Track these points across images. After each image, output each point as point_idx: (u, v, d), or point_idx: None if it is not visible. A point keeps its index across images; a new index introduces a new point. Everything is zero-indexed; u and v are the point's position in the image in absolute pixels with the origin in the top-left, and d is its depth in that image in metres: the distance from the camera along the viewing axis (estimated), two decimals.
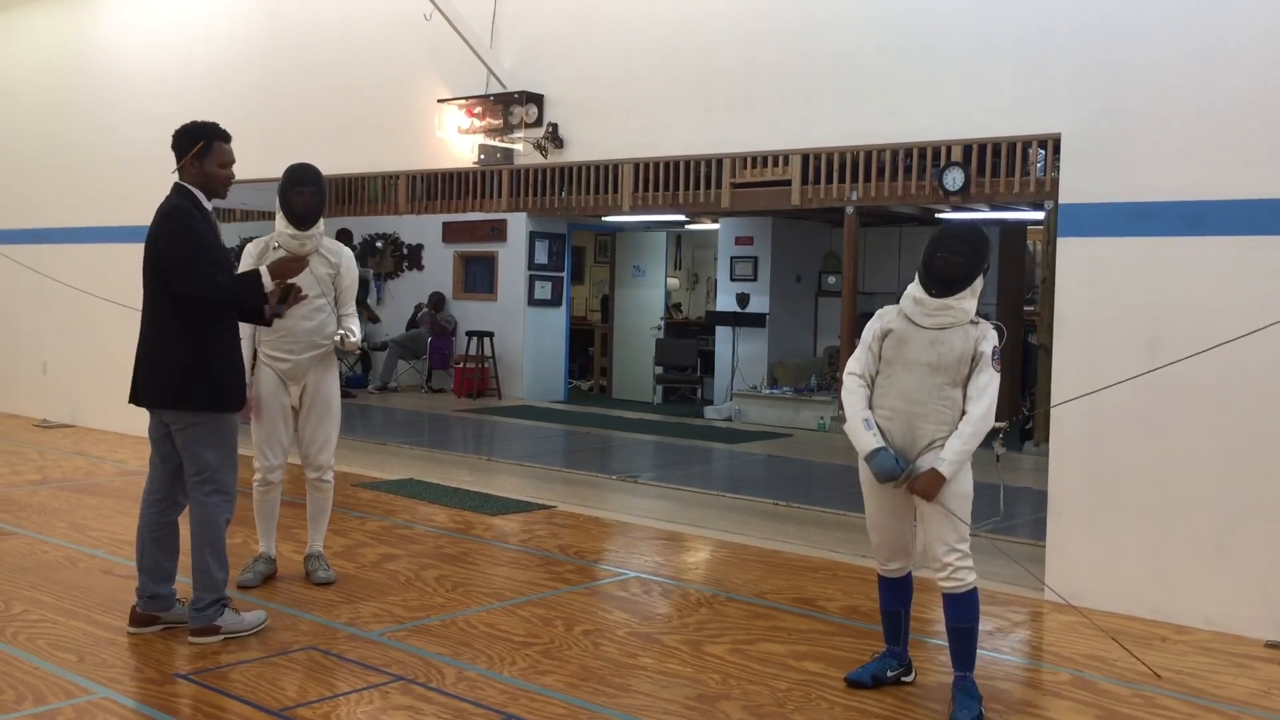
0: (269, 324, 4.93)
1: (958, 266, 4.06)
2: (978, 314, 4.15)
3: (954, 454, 4.00)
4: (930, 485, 4.02)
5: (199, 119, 4.77)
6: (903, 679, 4.36)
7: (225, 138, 4.72)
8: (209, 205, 4.70)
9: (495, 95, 7.92)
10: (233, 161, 4.77)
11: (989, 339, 4.09)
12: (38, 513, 7.08)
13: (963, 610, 4.09)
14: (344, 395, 13.89)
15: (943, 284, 4.08)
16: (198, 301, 4.52)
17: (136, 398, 4.68)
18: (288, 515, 6.36)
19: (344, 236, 14.66)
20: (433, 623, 5.02)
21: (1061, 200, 5.78)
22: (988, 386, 4.04)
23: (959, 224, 4.26)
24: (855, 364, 4.22)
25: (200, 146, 4.64)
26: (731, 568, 6.24)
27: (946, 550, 4.06)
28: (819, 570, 6.15)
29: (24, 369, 11.66)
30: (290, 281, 4.83)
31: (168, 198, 4.68)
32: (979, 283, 4.11)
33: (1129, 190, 5.50)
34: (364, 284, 15.11)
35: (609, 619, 5.19)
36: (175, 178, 4.70)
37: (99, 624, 4.87)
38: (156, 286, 4.59)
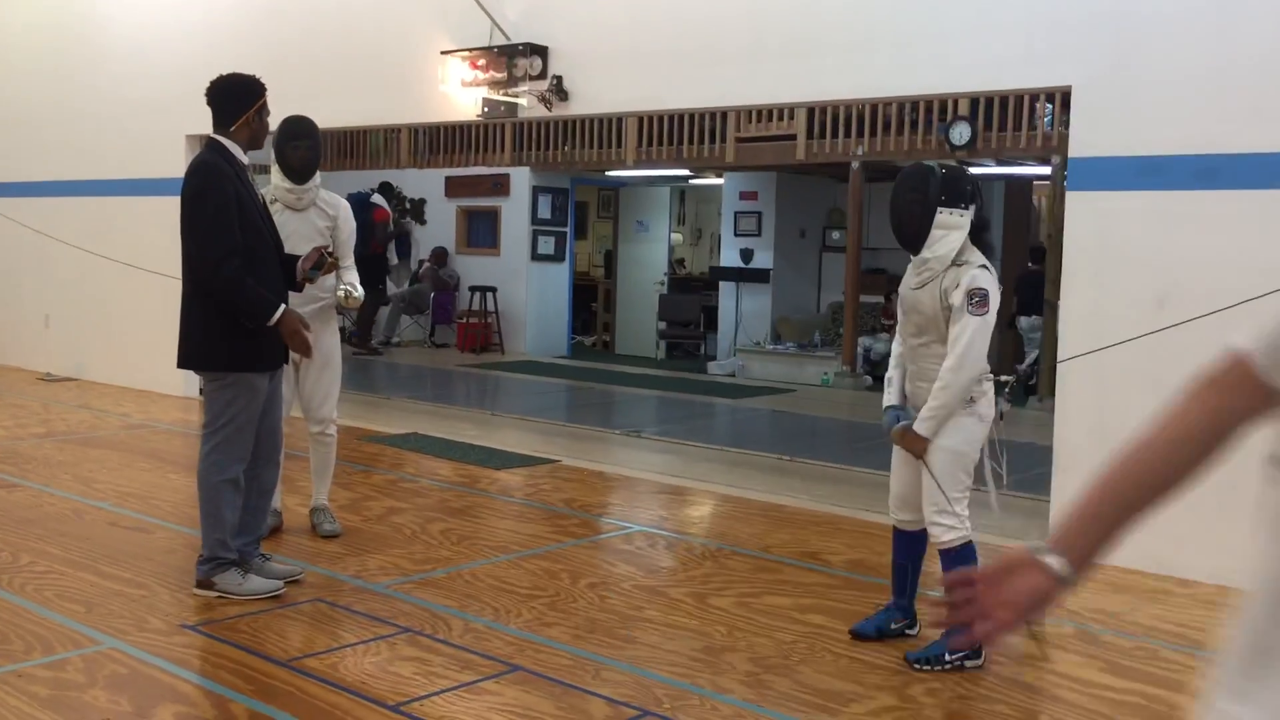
0: (299, 289, 4.87)
1: (913, 217, 4.02)
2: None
3: (927, 411, 4.02)
4: (908, 441, 4.10)
5: (238, 72, 4.66)
6: (906, 631, 4.37)
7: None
8: (247, 160, 4.62)
9: (499, 47, 7.84)
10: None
11: (962, 284, 3.94)
12: (43, 465, 7.10)
13: (947, 564, 4.11)
14: (372, 353, 14.01)
15: (908, 240, 4.07)
16: (214, 279, 4.39)
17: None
18: (293, 468, 6.37)
19: (385, 190, 14.56)
20: (439, 575, 5.04)
21: (1071, 154, 5.72)
22: (959, 337, 3.93)
23: (903, 172, 4.17)
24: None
25: (262, 102, 4.60)
26: (736, 522, 6.25)
27: (930, 507, 4.09)
28: (823, 524, 6.17)
29: (27, 322, 11.64)
30: (325, 249, 4.80)
31: (199, 154, 4.58)
32: (950, 219, 3.98)
33: (1139, 143, 5.45)
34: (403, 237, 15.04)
35: (614, 572, 5.21)
36: (196, 127, 4.58)
37: (106, 575, 4.89)
38: (183, 244, 4.52)
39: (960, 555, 4.08)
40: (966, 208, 4.01)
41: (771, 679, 3.97)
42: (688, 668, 4.05)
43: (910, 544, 4.32)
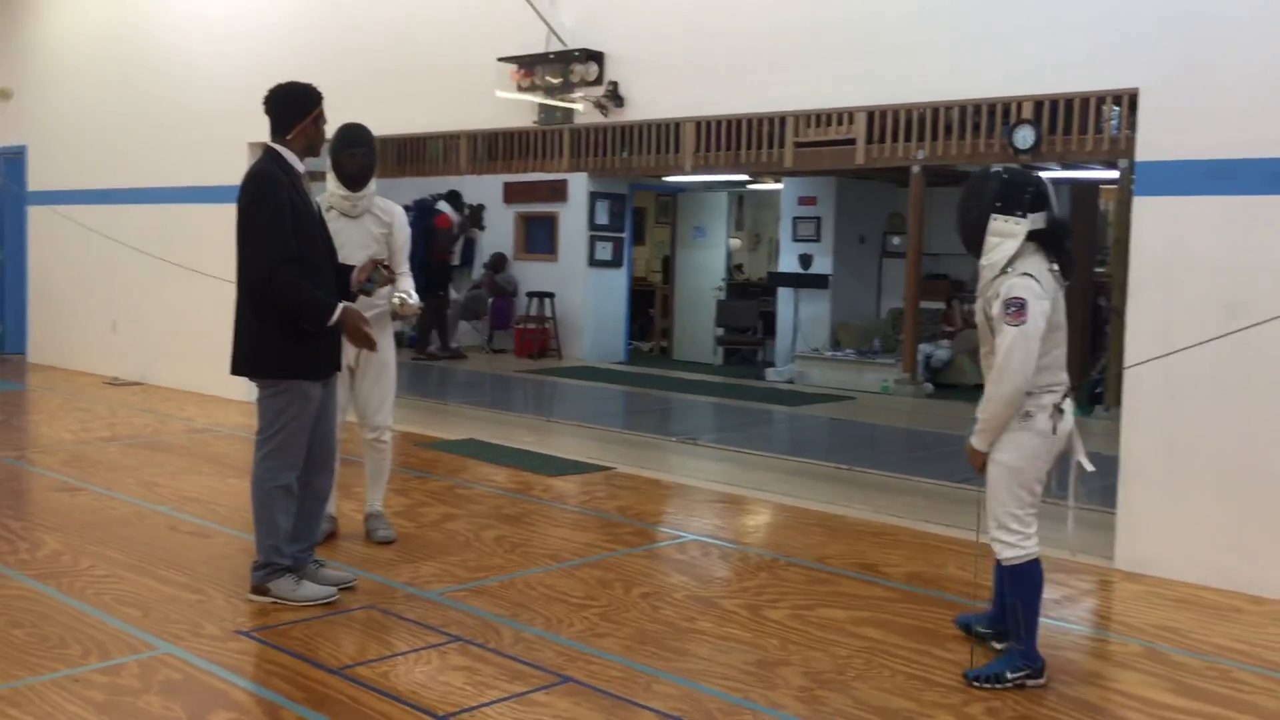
0: (354, 299, 4.88)
1: (968, 222, 4.01)
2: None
3: (977, 424, 3.99)
4: (967, 453, 4.07)
5: (295, 80, 4.68)
6: (993, 642, 4.24)
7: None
8: (302, 167, 4.64)
9: (555, 53, 7.83)
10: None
11: (1001, 294, 3.87)
12: (106, 469, 7.20)
13: (1008, 582, 4.02)
14: (454, 356, 14.08)
15: (967, 245, 4.04)
16: (269, 286, 4.41)
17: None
18: (349, 474, 6.41)
19: (453, 198, 14.63)
20: (491, 583, 5.02)
21: (1138, 158, 5.58)
22: (999, 348, 3.86)
23: (970, 176, 4.14)
24: None
25: (319, 111, 4.62)
26: (792, 532, 6.17)
27: (990, 522, 4.03)
28: (881, 535, 6.07)
29: (95, 327, 11.86)
30: (380, 262, 4.82)
31: (255, 162, 4.61)
32: (1004, 226, 3.90)
33: (1210, 147, 5.29)
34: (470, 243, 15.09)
35: (667, 582, 5.15)
36: (259, 135, 4.59)
37: (164, 579, 4.93)
38: (238, 252, 4.55)
39: (1020, 574, 3.98)
40: (1024, 215, 3.91)
41: (826, 695, 3.90)
42: (741, 682, 3.99)
43: None
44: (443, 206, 14.32)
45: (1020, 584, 3.99)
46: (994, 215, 3.92)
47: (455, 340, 15.12)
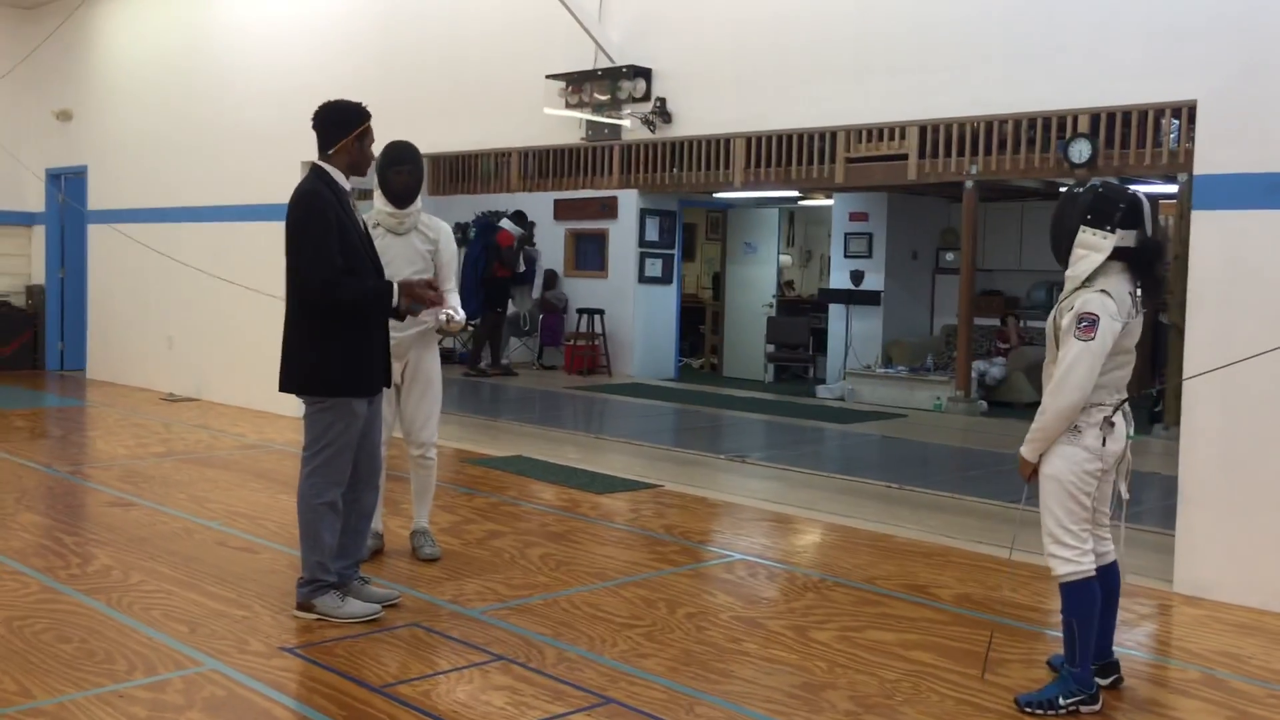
0: (402, 319, 4.91)
1: (1058, 233, 3.98)
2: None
3: (1029, 434, 3.94)
4: (1019, 464, 4.01)
5: (344, 98, 4.72)
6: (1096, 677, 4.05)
7: (370, 115, 4.73)
8: (348, 185, 4.67)
9: (603, 70, 7.83)
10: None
11: (1075, 307, 3.83)
12: (160, 484, 7.28)
13: (1062, 600, 3.94)
14: (505, 373, 14.10)
15: (1057, 256, 4.02)
16: (322, 298, 4.47)
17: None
18: (395, 490, 6.43)
19: (519, 218, 14.67)
20: (535, 601, 4.99)
21: (1196, 171, 5.45)
22: (1062, 360, 3.82)
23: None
24: None
25: (365, 128, 4.64)
26: (841, 552, 6.08)
27: (1045, 537, 3.95)
28: (932, 556, 5.96)
29: (151, 343, 12.04)
30: (427, 280, 4.84)
31: (303, 180, 4.64)
32: (1091, 239, 3.86)
33: (1269, 160, 5.15)
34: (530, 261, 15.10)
35: (713, 602, 5.09)
36: (311, 153, 4.63)
37: (211, 595, 4.96)
38: (287, 269, 4.59)
39: (1074, 591, 3.88)
40: (1112, 230, 3.85)
41: (872, 719, 3.82)
42: (785, 705, 3.92)
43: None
44: (505, 224, 14.37)
45: (1074, 603, 3.89)
46: (1083, 227, 3.89)
47: (506, 356, 15.15)
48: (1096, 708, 3.89)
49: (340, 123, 4.62)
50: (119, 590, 5.01)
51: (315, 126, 4.67)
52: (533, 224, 15.70)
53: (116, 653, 4.24)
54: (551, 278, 15.48)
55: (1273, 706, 4.03)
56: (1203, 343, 5.34)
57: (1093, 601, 3.91)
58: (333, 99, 4.74)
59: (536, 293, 15.21)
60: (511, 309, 15.00)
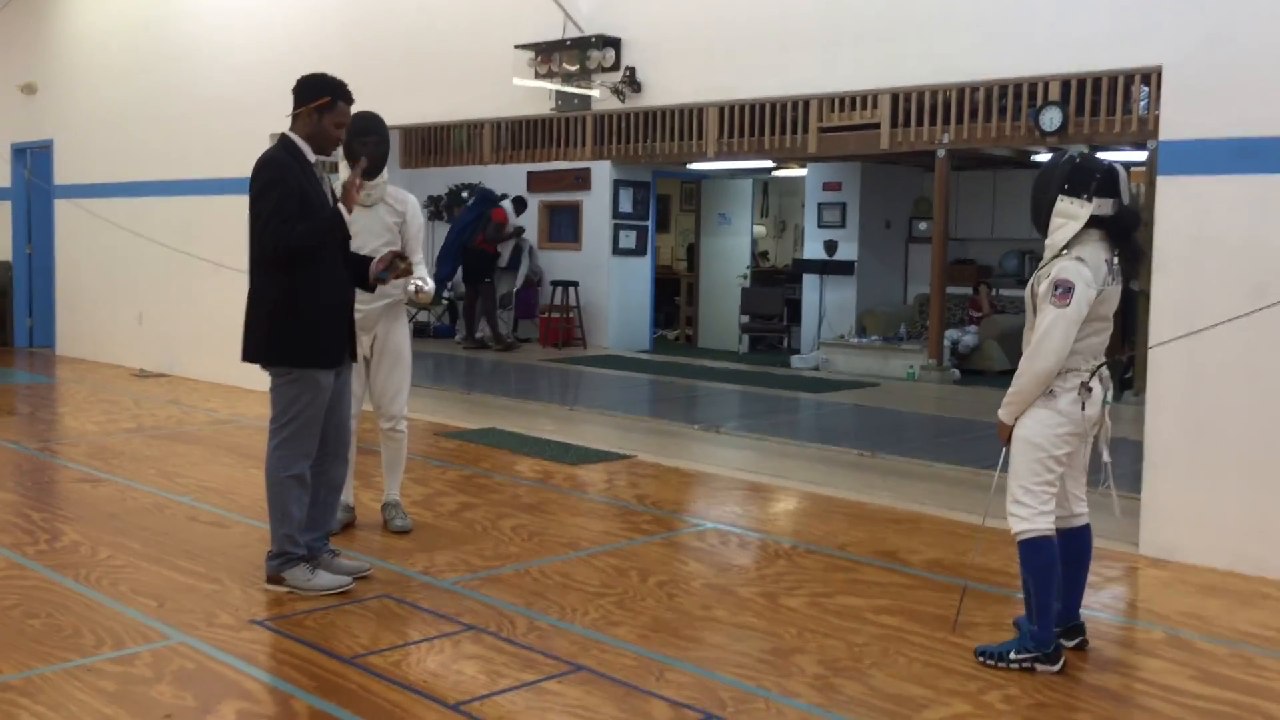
0: (372, 290, 4.88)
1: (1037, 202, 4.02)
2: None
3: (1006, 398, 4.00)
4: (999, 429, 4.06)
5: (322, 72, 4.66)
6: (1061, 640, 4.08)
7: (349, 99, 4.64)
8: (313, 158, 4.63)
9: (572, 40, 7.79)
10: (347, 124, 4.70)
11: (1050, 274, 3.88)
12: (130, 460, 7.23)
13: (1020, 557, 3.99)
14: (506, 348, 13.91)
15: (1037, 225, 4.06)
16: (276, 255, 4.44)
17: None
18: (368, 463, 6.41)
19: (519, 203, 14.39)
20: (506, 572, 5.00)
21: (1161, 137, 5.47)
22: (1039, 326, 3.87)
23: None
24: None
25: (324, 102, 4.56)
26: (813, 519, 6.12)
27: (1007, 495, 4.01)
28: (903, 522, 6.00)
29: (121, 319, 11.94)
30: (396, 251, 4.80)
31: (269, 149, 4.61)
32: (1068, 208, 3.89)
33: (1235, 125, 5.17)
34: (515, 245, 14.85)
35: (684, 570, 5.11)
36: (279, 126, 4.59)
37: (181, 569, 4.94)
38: (250, 239, 4.56)
39: (1030, 549, 3.94)
40: (1088, 199, 3.88)
41: (841, 682, 3.85)
42: (754, 670, 3.94)
43: (1062, 542, 4.06)
44: (505, 204, 14.25)
45: (1029, 560, 3.94)
46: (1061, 196, 3.93)
47: (480, 330, 15.08)
48: (1054, 668, 3.93)
49: (303, 91, 4.59)
50: (87, 565, 4.98)
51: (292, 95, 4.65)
52: (504, 196, 15.61)
53: (84, 627, 4.22)
54: (528, 251, 15.39)
55: (1236, 665, 4.09)
56: (1168, 310, 5.37)
57: (1048, 561, 3.95)
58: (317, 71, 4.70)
59: (519, 282, 15.08)
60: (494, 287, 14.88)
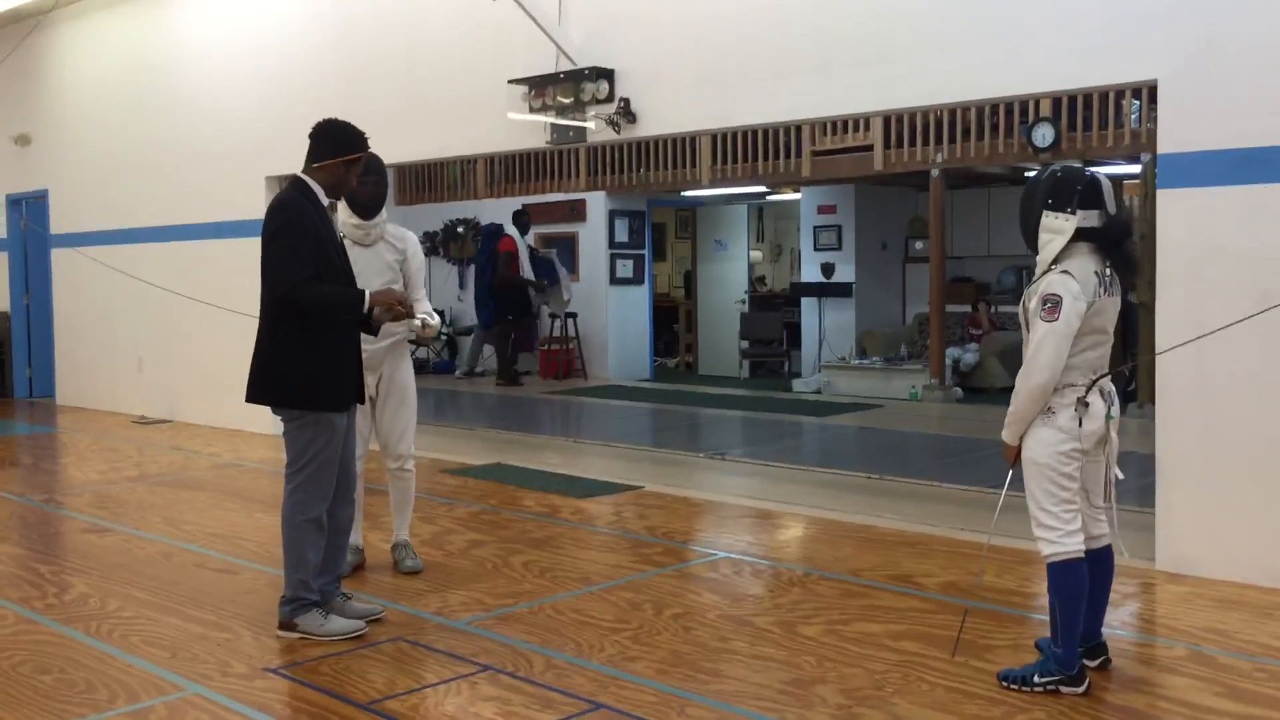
0: (375, 333, 4.86)
1: (1024, 219, 4.01)
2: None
3: (1006, 418, 3.98)
4: (1003, 450, 4.03)
5: (347, 121, 4.67)
6: (1085, 661, 4.03)
7: (368, 150, 4.69)
8: (326, 201, 4.62)
9: (565, 73, 7.81)
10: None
11: (1040, 290, 3.86)
12: (134, 508, 7.19)
13: (1049, 580, 3.95)
14: (511, 382, 13.70)
15: (1027, 242, 4.04)
16: (288, 301, 4.42)
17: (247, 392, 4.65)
18: (376, 504, 6.37)
19: (517, 218, 14.21)
20: (520, 609, 4.96)
21: (1160, 150, 5.48)
22: (1031, 342, 3.86)
23: None
24: None
25: (356, 158, 4.59)
26: (824, 545, 6.08)
27: (1032, 520, 3.97)
28: (915, 545, 5.96)
29: (121, 366, 11.92)
30: (396, 303, 4.79)
31: (282, 190, 4.60)
32: (1054, 223, 3.87)
33: (1233, 136, 5.18)
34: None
35: (699, 601, 5.07)
36: (275, 169, 4.59)
37: (191, 618, 4.90)
38: (262, 281, 4.55)
39: (1060, 573, 3.89)
40: (1072, 212, 3.86)
41: (864, 711, 3.81)
42: (775, 701, 3.90)
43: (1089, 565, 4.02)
44: (508, 232, 14.12)
45: (1058, 583, 3.90)
46: (1045, 211, 3.92)
47: (480, 364, 15.03)
48: (1079, 690, 3.89)
49: (336, 141, 4.57)
50: (97, 618, 4.94)
51: (311, 136, 4.62)
52: (500, 227, 15.55)
53: (97, 681, 4.17)
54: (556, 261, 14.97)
55: (1260, 680, 4.05)
56: (1174, 322, 5.35)
57: (1078, 583, 3.91)
58: (337, 117, 4.71)
59: (567, 293, 14.84)
60: (547, 311, 14.71)
